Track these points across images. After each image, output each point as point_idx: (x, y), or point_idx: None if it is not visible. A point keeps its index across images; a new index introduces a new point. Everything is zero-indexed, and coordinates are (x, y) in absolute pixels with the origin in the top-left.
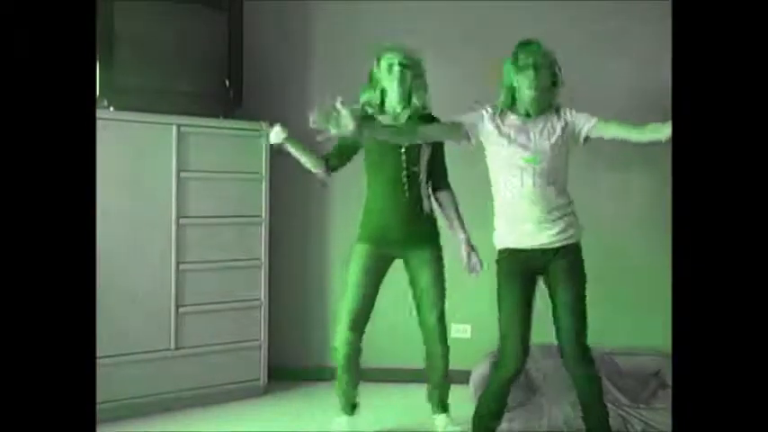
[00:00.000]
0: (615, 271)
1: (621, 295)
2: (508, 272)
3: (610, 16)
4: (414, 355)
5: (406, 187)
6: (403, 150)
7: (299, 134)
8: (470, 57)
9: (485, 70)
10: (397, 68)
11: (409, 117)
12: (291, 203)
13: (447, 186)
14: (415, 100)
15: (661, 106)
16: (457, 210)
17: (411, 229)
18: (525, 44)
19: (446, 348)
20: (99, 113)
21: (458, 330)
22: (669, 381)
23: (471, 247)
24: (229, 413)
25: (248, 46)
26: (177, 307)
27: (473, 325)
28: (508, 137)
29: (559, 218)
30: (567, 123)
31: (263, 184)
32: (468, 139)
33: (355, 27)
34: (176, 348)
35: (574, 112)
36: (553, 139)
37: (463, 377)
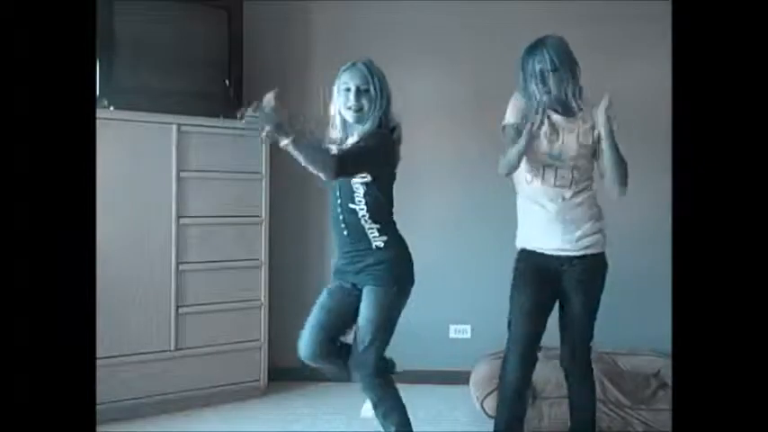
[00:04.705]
0: (615, 271)
1: (621, 296)
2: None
3: (612, 15)
4: (409, 357)
5: (343, 225)
6: (336, 186)
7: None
8: (471, 56)
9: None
10: (352, 96)
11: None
12: (291, 203)
13: (389, 222)
14: (367, 124)
15: (664, 107)
16: None
17: (359, 267)
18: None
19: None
20: (99, 113)
21: (458, 330)
22: (669, 381)
23: None
24: (229, 413)
25: (248, 46)
26: (177, 307)
27: (473, 325)
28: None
29: (582, 224)
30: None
31: (263, 183)
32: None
33: (355, 27)
34: (176, 349)
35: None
36: (581, 138)
37: (463, 377)
